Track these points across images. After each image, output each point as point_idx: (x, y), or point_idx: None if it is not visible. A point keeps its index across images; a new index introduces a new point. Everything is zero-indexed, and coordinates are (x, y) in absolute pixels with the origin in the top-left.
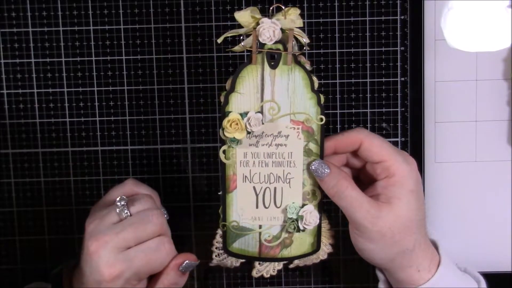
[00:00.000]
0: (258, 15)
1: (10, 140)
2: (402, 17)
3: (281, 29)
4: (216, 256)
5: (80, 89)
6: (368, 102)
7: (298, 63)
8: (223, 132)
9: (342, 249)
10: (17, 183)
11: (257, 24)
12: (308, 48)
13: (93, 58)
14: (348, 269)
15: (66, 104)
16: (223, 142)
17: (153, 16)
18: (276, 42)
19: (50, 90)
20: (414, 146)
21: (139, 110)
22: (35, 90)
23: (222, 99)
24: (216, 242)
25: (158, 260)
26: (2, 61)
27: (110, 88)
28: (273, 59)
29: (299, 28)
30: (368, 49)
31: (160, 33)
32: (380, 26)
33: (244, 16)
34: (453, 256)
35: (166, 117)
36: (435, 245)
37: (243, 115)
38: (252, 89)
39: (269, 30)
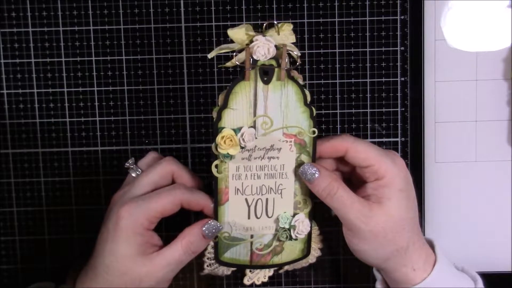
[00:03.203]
0: (252, 32)
1: (10, 140)
2: (402, 17)
3: (275, 45)
4: (207, 266)
5: (80, 89)
6: (368, 102)
7: (291, 78)
8: (216, 148)
9: (342, 249)
10: (17, 183)
11: (251, 41)
12: (300, 62)
13: (93, 58)
14: (348, 269)
15: (66, 104)
16: (215, 157)
17: (153, 16)
18: (269, 58)
19: (50, 90)
20: (414, 146)
21: (139, 110)
22: (35, 90)
23: (214, 115)
24: (208, 252)
25: (169, 198)
26: (2, 61)
27: (110, 88)
28: (266, 74)
29: (292, 43)
30: (368, 49)
31: (160, 33)
32: (380, 26)
33: (238, 34)
34: (452, 256)
35: (166, 117)
36: (431, 245)
37: (237, 130)
38: (245, 105)
39: (263, 48)
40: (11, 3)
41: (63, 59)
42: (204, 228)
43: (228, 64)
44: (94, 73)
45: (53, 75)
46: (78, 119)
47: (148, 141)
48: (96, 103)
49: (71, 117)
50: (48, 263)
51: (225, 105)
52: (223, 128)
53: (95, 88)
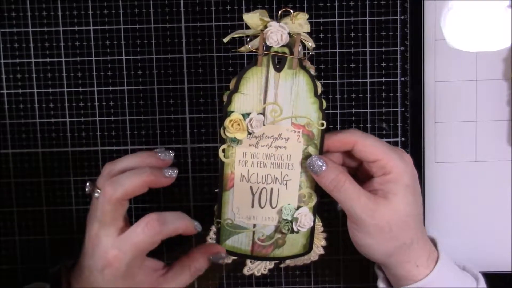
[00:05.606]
0: (267, 18)
1: (10, 140)
2: (402, 17)
3: (289, 33)
4: None
5: (80, 89)
6: (368, 102)
7: (303, 67)
8: (224, 132)
9: (342, 249)
10: (17, 183)
11: (265, 27)
12: (314, 53)
13: (93, 58)
14: (348, 269)
15: (66, 104)
16: (223, 141)
17: (153, 16)
18: (282, 46)
19: (50, 90)
20: (414, 146)
21: (139, 110)
22: (35, 90)
23: (225, 98)
24: (210, 238)
25: (147, 236)
26: (2, 61)
27: (110, 88)
28: (279, 62)
29: (306, 33)
30: (368, 49)
31: (160, 33)
32: (380, 26)
33: (252, 18)
34: (453, 256)
35: (166, 117)
36: (433, 242)
37: (245, 115)
38: (256, 91)
39: (276, 34)
40: (11, 3)
41: (63, 59)
42: (211, 257)
43: (242, 49)
44: (94, 73)
45: (53, 75)
46: (78, 119)
47: (148, 140)
48: (96, 103)
49: (71, 117)
50: (48, 263)
51: (235, 89)
52: (232, 112)
53: (95, 88)
